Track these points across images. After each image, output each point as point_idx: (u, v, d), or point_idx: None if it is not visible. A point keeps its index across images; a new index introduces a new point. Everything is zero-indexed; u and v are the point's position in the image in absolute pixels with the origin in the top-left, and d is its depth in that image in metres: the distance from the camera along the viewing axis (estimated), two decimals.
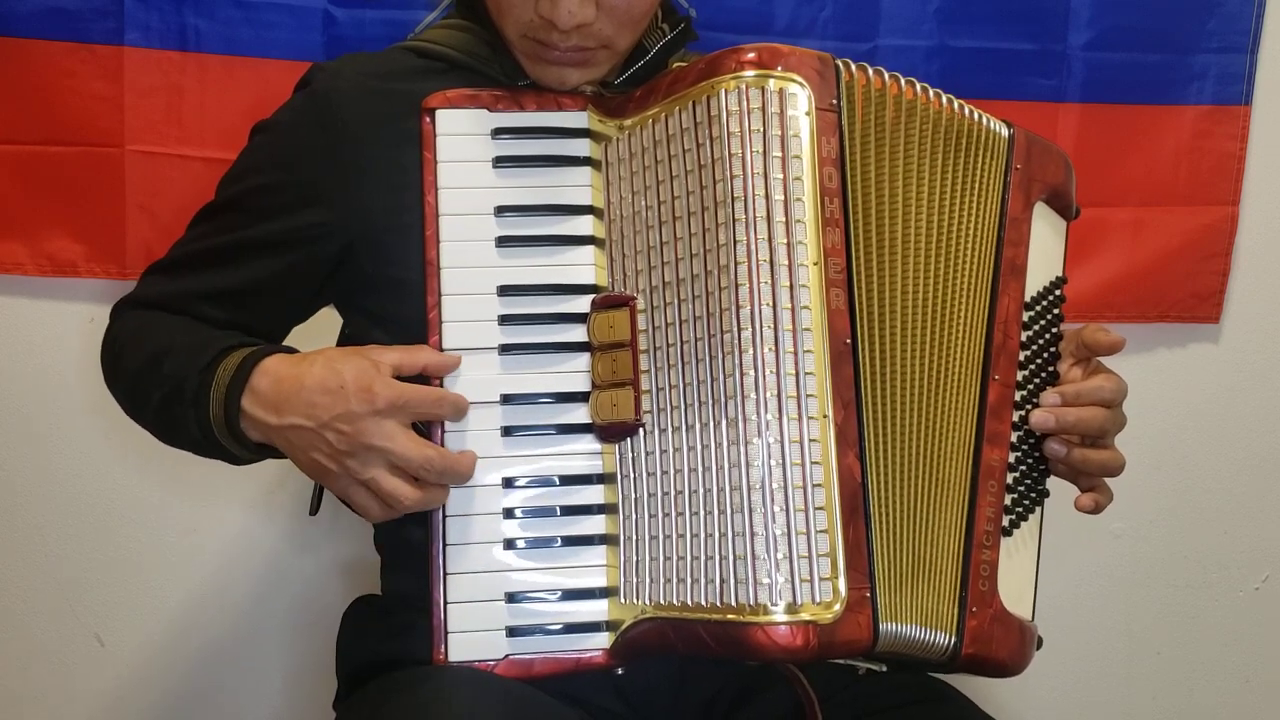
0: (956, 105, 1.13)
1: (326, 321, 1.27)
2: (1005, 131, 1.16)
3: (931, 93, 1.12)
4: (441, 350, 1.09)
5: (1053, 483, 1.19)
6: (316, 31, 1.63)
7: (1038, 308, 1.18)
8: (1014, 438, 1.14)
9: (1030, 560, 1.16)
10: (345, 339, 1.27)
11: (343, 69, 1.18)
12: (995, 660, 1.09)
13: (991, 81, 1.73)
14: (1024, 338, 1.16)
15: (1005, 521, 1.12)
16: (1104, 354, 1.18)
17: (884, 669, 1.12)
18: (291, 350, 1.11)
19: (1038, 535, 1.17)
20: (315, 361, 1.06)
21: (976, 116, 1.14)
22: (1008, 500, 1.13)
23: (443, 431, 1.08)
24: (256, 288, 1.18)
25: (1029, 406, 1.15)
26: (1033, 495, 1.16)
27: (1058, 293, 1.20)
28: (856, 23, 1.71)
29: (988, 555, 1.09)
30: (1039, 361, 1.17)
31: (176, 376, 1.11)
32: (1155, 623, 1.95)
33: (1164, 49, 1.76)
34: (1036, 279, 1.17)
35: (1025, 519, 1.15)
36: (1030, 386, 1.16)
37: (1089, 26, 1.74)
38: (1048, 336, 1.18)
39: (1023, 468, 1.15)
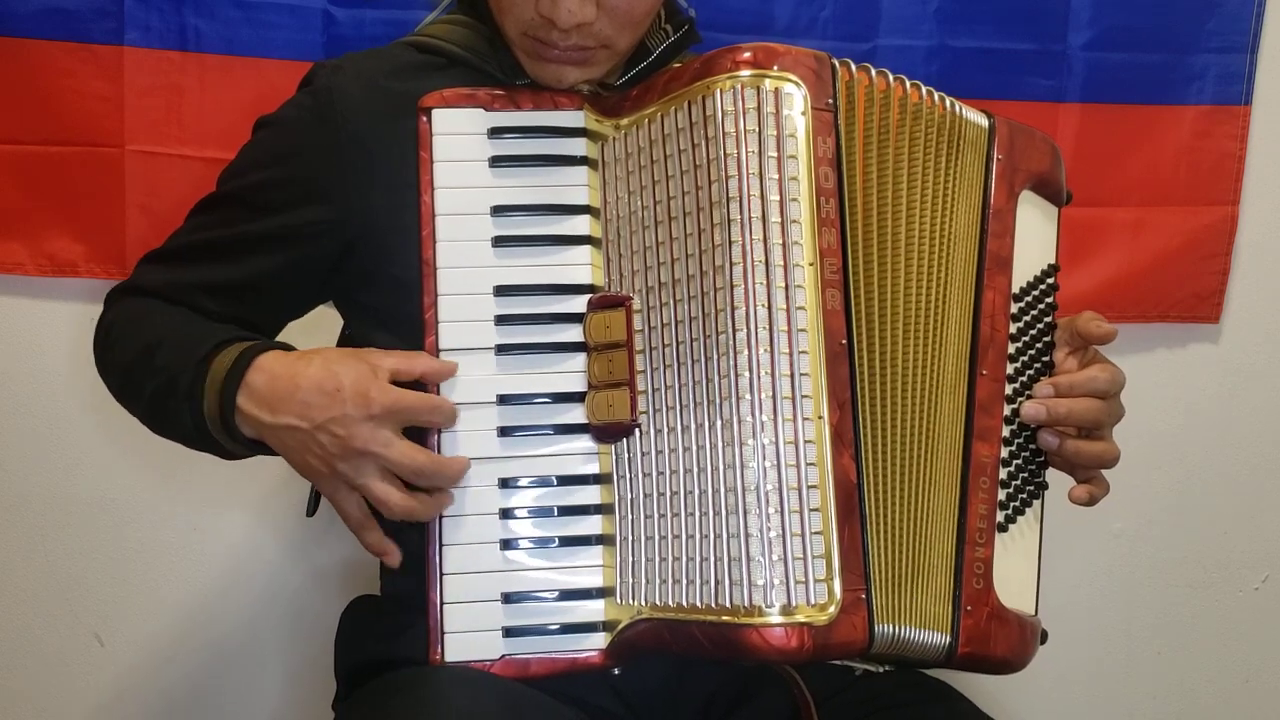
0: (949, 103, 1.13)
1: (327, 321, 1.27)
2: (984, 122, 1.15)
3: (924, 90, 1.11)
4: (438, 351, 1.09)
5: (1052, 477, 1.18)
6: (316, 31, 1.63)
7: (1028, 298, 1.16)
8: (1009, 430, 1.13)
9: (1030, 554, 1.15)
10: (346, 339, 1.27)
11: (345, 66, 1.18)
12: (994, 658, 1.08)
13: (991, 81, 1.73)
14: (1015, 329, 1.14)
15: (1001, 517, 1.11)
16: (1096, 343, 1.16)
17: (882, 669, 1.12)
18: (288, 347, 1.11)
19: (1038, 528, 1.15)
20: (312, 361, 1.06)
21: (958, 109, 1.13)
22: (1002, 495, 1.12)
23: (439, 435, 1.08)
24: (256, 283, 1.17)
25: (1024, 397, 1.14)
26: (1030, 488, 1.15)
27: (1050, 281, 1.18)
28: (856, 23, 1.71)
29: (981, 553, 1.08)
30: (1033, 351, 1.16)
31: (170, 369, 1.11)
32: (1155, 623, 1.95)
33: (1164, 49, 1.76)
34: (1027, 269, 1.16)
35: (1022, 513, 1.14)
36: (1025, 377, 1.15)
37: (1089, 26, 1.74)
38: (1040, 326, 1.17)
39: (1018, 461, 1.14)
